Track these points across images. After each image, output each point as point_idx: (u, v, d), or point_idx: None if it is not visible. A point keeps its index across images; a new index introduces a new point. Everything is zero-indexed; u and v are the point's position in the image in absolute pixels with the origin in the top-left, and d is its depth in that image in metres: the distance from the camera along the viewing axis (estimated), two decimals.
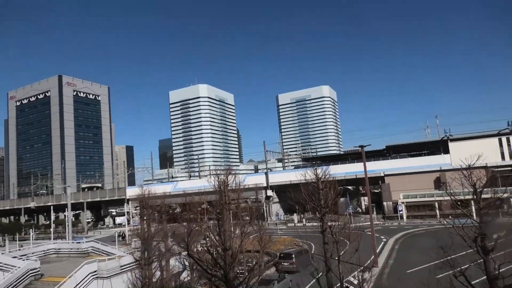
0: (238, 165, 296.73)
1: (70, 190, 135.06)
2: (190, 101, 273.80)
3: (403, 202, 62.67)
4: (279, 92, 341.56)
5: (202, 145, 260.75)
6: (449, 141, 67.87)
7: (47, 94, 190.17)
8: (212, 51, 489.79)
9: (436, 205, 58.78)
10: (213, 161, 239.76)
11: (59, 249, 31.88)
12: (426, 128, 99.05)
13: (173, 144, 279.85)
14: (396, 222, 60.30)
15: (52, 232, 77.66)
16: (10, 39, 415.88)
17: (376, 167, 72.35)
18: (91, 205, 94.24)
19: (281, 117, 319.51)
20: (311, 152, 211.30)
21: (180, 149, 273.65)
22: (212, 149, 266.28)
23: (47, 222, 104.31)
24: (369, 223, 61.19)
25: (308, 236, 51.45)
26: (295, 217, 68.95)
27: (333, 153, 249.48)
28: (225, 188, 14.95)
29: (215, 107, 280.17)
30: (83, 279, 19.87)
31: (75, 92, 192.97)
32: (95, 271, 20.58)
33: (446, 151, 67.77)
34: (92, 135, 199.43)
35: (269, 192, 78.96)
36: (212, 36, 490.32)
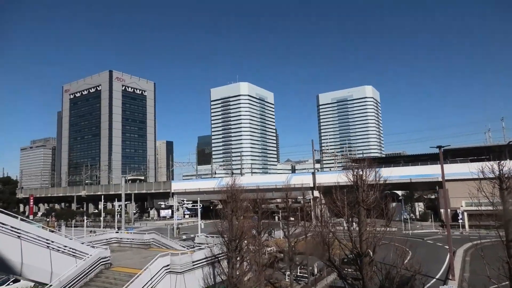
0: (276, 165, 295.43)
1: (116, 181, 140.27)
2: (231, 99, 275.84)
3: (465, 210, 58.21)
4: (319, 91, 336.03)
5: (241, 143, 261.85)
6: None
7: (98, 88, 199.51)
8: (253, 49, 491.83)
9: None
10: (251, 159, 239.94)
11: (121, 238, 32.03)
12: (487, 132, 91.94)
13: (213, 141, 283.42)
14: (457, 231, 56.16)
15: (102, 220, 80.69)
16: (66, 35, 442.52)
17: (433, 171, 68.05)
18: (136, 197, 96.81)
19: (321, 117, 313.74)
20: (352, 154, 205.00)
21: (219, 146, 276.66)
22: (251, 147, 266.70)
23: (96, 211, 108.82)
24: (427, 230, 57.50)
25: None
26: (344, 219, 66.35)
27: (375, 155, 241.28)
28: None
29: (255, 106, 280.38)
30: (157, 273, 19.32)
31: (124, 87, 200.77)
32: (168, 265, 19.97)
33: None
34: (137, 129, 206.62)
35: (316, 193, 76.81)
36: (254, 34, 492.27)
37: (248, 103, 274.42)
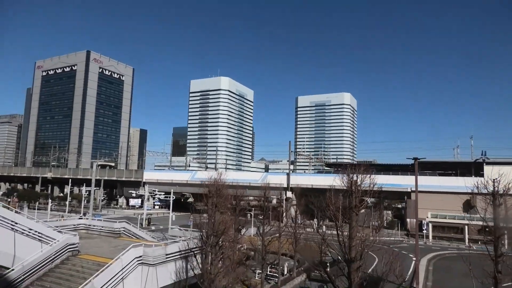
0: (250, 162, 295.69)
1: (85, 166, 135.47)
2: (210, 92, 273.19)
3: (430, 221, 60.42)
4: (299, 94, 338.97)
5: (217, 138, 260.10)
6: (484, 163, 65.21)
7: (73, 68, 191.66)
8: (237, 45, 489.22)
9: (466, 229, 56.53)
10: (226, 155, 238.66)
11: (89, 225, 30.85)
12: (455, 148, 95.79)
13: (188, 133, 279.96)
14: (421, 241, 58.15)
15: (67, 205, 77.76)
16: (43, 10, 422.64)
17: (403, 181, 70.25)
18: (105, 184, 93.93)
19: (298, 119, 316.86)
20: (326, 158, 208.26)
21: (195, 139, 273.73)
22: (226, 142, 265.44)
23: (61, 195, 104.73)
24: (393, 238, 59.16)
25: (331, 245, 50.06)
26: (315, 222, 67.25)
27: (347, 161, 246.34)
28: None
29: (234, 101, 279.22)
30: (129, 263, 18.67)
31: (101, 70, 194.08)
32: (141, 257, 19.35)
33: (478, 173, 65.27)
34: (112, 114, 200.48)
35: (289, 194, 77.34)
36: (239, 31, 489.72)
37: (228, 98, 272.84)
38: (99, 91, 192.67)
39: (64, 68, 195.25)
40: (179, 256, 21.05)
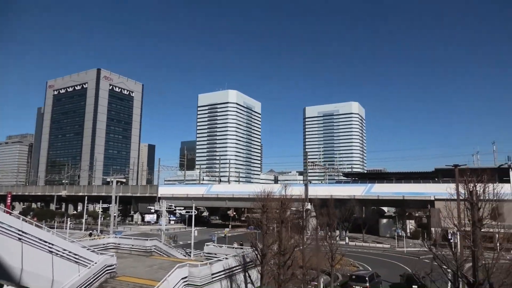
0: (259, 174, 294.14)
1: (97, 182, 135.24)
2: (218, 106, 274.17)
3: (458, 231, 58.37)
4: (306, 104, 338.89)
5: (226, 151, 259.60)
6: (510, 169, 63.24)
7: (84, 86, 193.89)
8: (244, 59, 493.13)
9: (497, 237, 54.43)
10: (235, 168, 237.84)
11: (119, 244, 29.91)
12: (475, 154, 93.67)
13: (197, 147, 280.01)
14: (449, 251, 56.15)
15: (84, 222, 77.11)
16: (54, 31, 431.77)
17: (425, 190, 68.33)
18: (119, 200, 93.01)
19: (306, 129, 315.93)
20: (337, 168, 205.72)
21: (204, 152, 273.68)
22: (235, 155, 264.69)
23: (75, 212, 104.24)
24: (419, 249, 57.08)
25: (357, 257, 48.42)
26: (337, 234, 65.56)
27: (357, 170, 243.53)
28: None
29: (242, 114, 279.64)
30: (175, 285, 17.61)
31: (111, 87, 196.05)
32: (186, 277, 18.30)
33: (504, 180, 63.26)
34: (122, 130, 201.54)
35: (308, 205, 75.79)
36: (245, 44, 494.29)
37: (236, 111, 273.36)
38: (109, 108, 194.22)
39: (75, 87, 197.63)
40: (224, 276, 19.97)
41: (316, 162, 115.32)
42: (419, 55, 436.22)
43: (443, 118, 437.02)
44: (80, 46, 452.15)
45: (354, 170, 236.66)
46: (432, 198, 66.31)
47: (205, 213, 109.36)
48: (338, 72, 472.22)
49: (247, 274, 21.40)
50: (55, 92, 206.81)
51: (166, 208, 65.93)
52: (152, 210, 63.80)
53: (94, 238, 41.28)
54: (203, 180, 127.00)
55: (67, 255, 20.17)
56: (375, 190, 71.17)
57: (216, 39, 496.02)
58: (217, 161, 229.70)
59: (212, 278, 18.95)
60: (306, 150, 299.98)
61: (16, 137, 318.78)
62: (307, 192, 77.63)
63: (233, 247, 27.43)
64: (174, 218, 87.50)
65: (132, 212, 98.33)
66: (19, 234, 17.96)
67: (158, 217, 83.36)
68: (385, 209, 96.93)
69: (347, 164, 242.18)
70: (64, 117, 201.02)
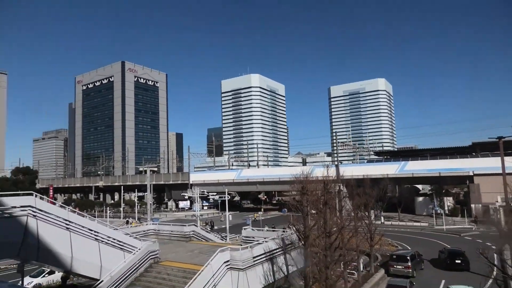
0: (287, 157, 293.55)
1: (130, 172, 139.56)
2: (242, 91, 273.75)
3: (501, 206, 55.78)
4: (331, 84, 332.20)
5: (252, 135, 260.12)
6: None
7: (110, 79, 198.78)
8: (265, 41, 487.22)
9: None
10: (263, 152, 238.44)
11: (159, 230, 30.68)
12: None
13: (224, 133, 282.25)
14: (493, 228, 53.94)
15: (122, 211, 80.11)
16: (78, 26, 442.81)
17: (463, 165, 65.67)
18: (153, 188, 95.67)
19: (332, 110, 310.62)
20: (366, 147, 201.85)
21: (230, 138, 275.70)
22: (262, 139, 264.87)
23: (112, 201, 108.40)
24: (460, 226, 55.20)
25: (394, 236, 47.48)
26: (372, 214, 64.47)
27: (387, 148, 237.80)
28: None
29: (266, 98, 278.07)
30: (218, 269, 17.81)
31: (136, 78, 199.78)
32: (229, 261, 18.44)
33: None
34: (150, 120, 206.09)
35: (340, 186, 74.88)
36: (266, 26, 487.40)
37: (259, 95, 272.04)
38: (136, 99, 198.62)
39: (102, 81, 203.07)
40: (265, 259, 19.98)
41: (346, 142, 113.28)
42: (448, 25, 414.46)
43: (476, 90, 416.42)
44: (104, 40, 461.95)
45: (384, 148, 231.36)
46: (471, 174, 63.65)
47: (236, 198, 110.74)
48: (362, 49, 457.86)
49: (287, 256, 21.32)
50: (84, 87, 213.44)
51: (199, 194, 67.22)
52: (186, 197, 65.04)
53: (131, 225, 42.67)
54: (232, 165, 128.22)
55: (112, 242, 20.80)
56: (409, 167, 69.18)
57: (237, 23, 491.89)
58: (244, 146, 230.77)
59: (254, 261, 18.99)
60: (333, 130, 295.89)
61: (52, 133, 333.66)
62: (339, 172, 76.58)
63: (272, 230, 27.40)
64: (207, 204, 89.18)
65: (166, 200, 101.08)
66: (66, 224, 18.61)
67: (191, 203, 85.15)
68: (420, 187, 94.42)
69: (377, 143, 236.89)
70: (94, 111, 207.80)
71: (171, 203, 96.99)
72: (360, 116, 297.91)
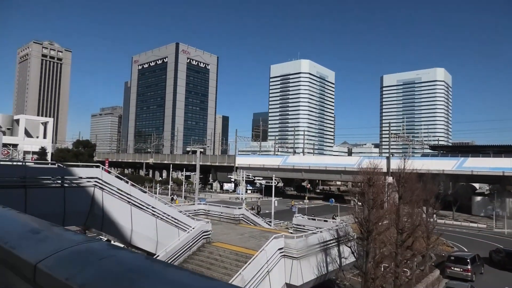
0: (332, 146, 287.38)
1: (178, 151, 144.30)
2: (291, 76, 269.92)
3: None
4: (383, 73, 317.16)
5: (298, 122, 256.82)
6: None
7: (164, 60, 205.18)
8: (317, 27, 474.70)
9: None
10: (308, 140, 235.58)
11: (208, 211, 31.19)
12: None
13: (269, 118, 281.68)
14: None
15: (169, 189, 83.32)
16: (138, 7, 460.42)
17: None
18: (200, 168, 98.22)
19: (384, 99, 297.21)
20: (421, 140, 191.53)
21: (276, 123, 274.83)
22: (308, 126, 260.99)
23: (160, 179, 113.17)
24: None
25: (448, 236, 44.64)
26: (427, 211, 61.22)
27: (441, 143, 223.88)
28: None
29: (314, 84, 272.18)
30: (272, 255, 17.57)
31: (189, 60, 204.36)
32: (282, 248, 18.12)
33: None
34: (199, 102, 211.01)
35: (389, 179, 71.78)
36: (318, 12, 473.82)
37: (308, 81, 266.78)
38: (187, 80, 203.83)
39: (157, 61, 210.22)
40: (319, 249, 19.44)
41: (399, 134, 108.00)
42: None
43: None
44: (161, 21, 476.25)
45: (440, 143, 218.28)
46: None
47: (280, 184, 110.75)
48: (418, 36, 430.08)
49: (341, 249, 20.59)
50: (140, 67, 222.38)
51: (245, 177, 67.83)
52: (233, 179, 65.87)
53: (175, 203, 44.04)
54: (278, 151, 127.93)
55: (167, 218, 21.30)
56: (468, 164, 64.46)
57: (289, 8, 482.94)
58: (289, 133, 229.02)
59: (308, 250, 18.52)
60: (383, 121, 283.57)
61: (108, 109, 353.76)
62: (389, 165, 73.36)
63: (324, 220, 26.67)
64: (251, 188, 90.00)
65: (211, 180, 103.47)
66: (128, 197, 19.26)
67: (235, 186, 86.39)
68: (476, 185, 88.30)
69: (433, 137, 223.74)
70: (148, 90, 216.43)
71: (216, 184, 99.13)
72: (414, 107, 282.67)
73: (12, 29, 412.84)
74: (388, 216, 14.12)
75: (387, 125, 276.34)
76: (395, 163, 71.74)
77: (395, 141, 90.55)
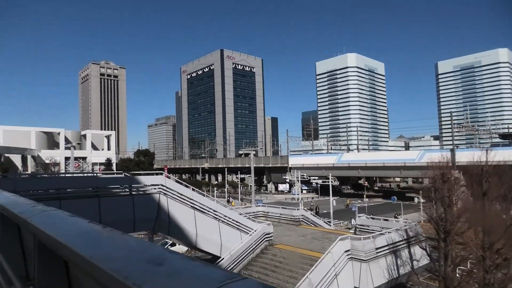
0: (387, 141, 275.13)
1: (231, 155, 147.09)
2: (338, 72, 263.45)
3: None
4: (437, 59, 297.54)
5: (349, 118, 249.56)
6: None
7: (211, 67, 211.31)
8: (361, 19, 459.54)
9: None
10: (361, 135, 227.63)
11: (267, 212, 31.13)
12: None
13: (319, 116, 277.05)
14: None
15: (226, 191, 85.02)
16: (181, 18, 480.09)
17: None
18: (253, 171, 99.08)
19: (440, 88, 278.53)
20: (489, 129, 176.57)
21: (326, 121, 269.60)
22: (360, 122, 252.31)
23: (216, 182, 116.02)
24: None
25: None
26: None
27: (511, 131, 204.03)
28: None
29: (363, 78, 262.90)
30: (339, 258, 16.92)
31: (234, 65, 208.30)
32: (349, 250, 17.37)
33: None
34: (248, 105, 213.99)
35: (456, 173, 66.82)
36: (359, 3, 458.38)
37: (357, 76, 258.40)
38: (234, 85, 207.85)
39: (204, 69, 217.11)
40: (388, 251, 18.39)
41: (462, 123, 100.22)
42: None
43: None
44: (204, 29, 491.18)
45: (510, 130, 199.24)
46: None
47: (335, 183, 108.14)
48: (473, 16, 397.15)
49: (411, 251, 19.29)
50: (188, 76, 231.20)
51: (300, 177, 67.07)
52: (287, 180, 65.47)
53: (232, 205, 44.44)
54: (331, 149, 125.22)
55: (229, 221, 21.51)
56: None
57: (330, 2, 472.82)
58: (340, 130, 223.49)
59: (377, 253, 17.57)
60: (442, 111, 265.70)
61: (162, 119, 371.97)
62: (454, 158, 68.31)
63: (390, 220, 25.30)
64: (306, 188, 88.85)
65: (265, 182, 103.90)
66: (191, 202, 19.74)
67: (290, 186, 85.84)
68: None
69: (501, 124, 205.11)
70: (197, 98, 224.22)
71: (270, 186, 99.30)
72: (476, 94, 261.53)
73: (71, 52, 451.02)
74: (470, 215, 12.81)
75: (447, 115, 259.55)
76: (464, 156, 67.00)
77: (458, 131, 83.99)
